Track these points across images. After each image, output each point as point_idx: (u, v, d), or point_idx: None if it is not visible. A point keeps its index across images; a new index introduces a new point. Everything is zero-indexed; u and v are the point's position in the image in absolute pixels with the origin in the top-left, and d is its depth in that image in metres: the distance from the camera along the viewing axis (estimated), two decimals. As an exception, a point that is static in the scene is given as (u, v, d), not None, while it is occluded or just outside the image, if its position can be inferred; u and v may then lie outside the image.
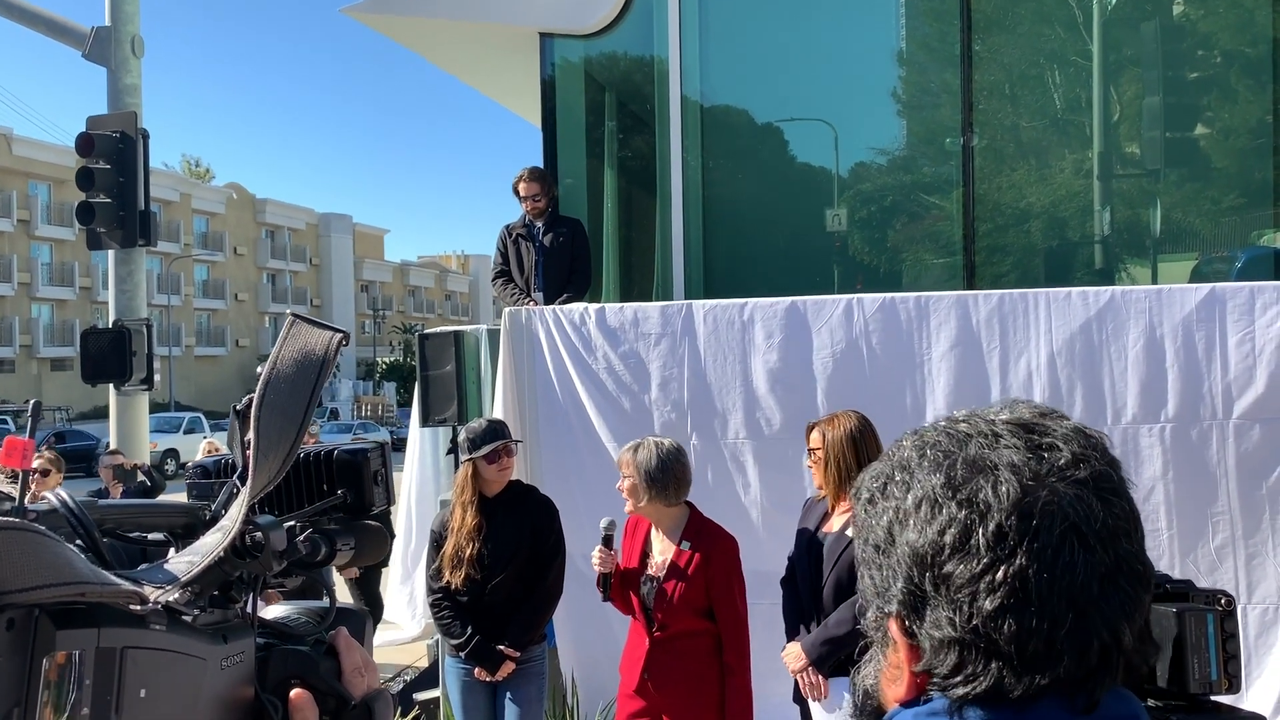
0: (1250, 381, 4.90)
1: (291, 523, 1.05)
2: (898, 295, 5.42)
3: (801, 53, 7.55)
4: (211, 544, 0.83)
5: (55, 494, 0.81)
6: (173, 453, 29.50)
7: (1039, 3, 7.30)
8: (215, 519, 0.95)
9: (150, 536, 0.97)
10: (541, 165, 7.11)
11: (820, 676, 3.67)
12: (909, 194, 7.54)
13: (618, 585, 3.85)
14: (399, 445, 38.82)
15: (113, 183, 8.65)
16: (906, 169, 7.66)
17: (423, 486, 8.59)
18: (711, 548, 3.76)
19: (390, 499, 1.15)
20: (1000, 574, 0.80)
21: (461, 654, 4.12)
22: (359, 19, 7.22)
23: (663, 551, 3.82)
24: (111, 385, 9.13)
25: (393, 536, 1.29)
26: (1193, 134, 7.29)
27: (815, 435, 3.84)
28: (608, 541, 3.87)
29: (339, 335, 1.05)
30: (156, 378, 9.81)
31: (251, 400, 1.03)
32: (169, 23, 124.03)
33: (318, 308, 67.58)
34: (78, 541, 0.79)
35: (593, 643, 5.49)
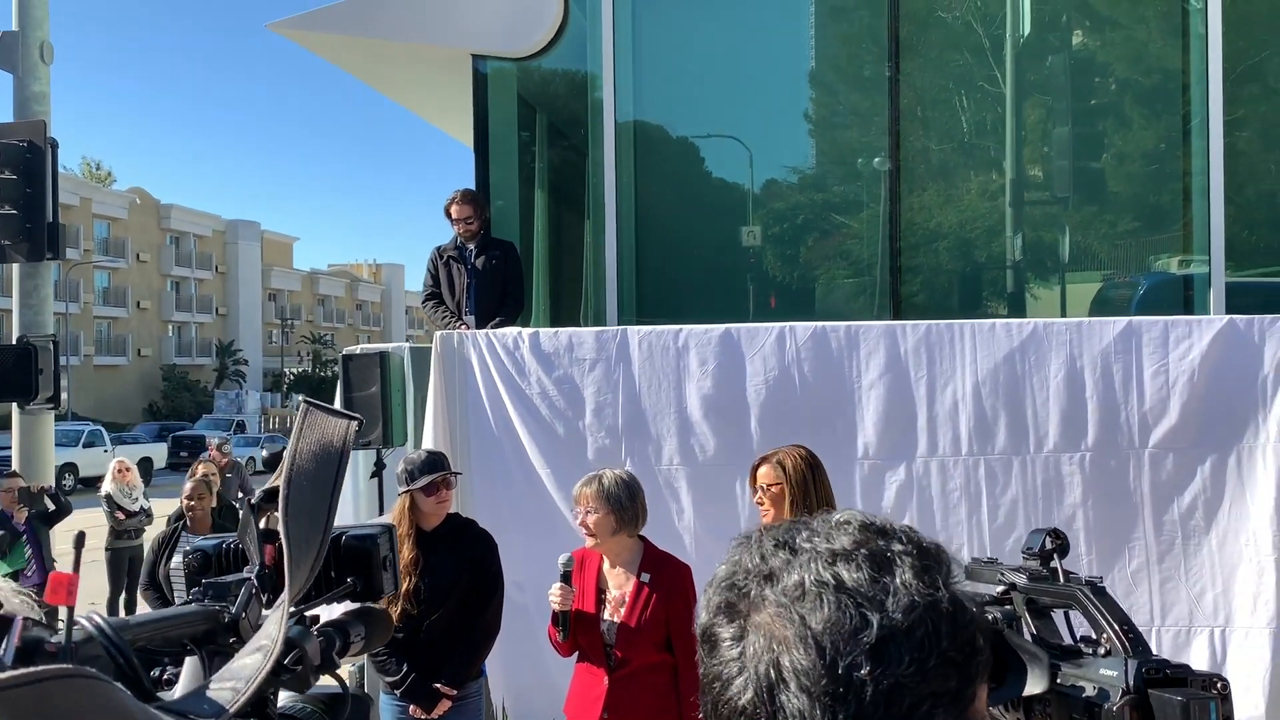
0: (1165, 412, 5.10)
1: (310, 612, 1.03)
2: (829, 324, 5.51)
3: (721, 72, 7.66)
4: (253, 666, 0.81)
5: (92, 621, 0.78)
6: (71, 467, 28.40)
7: (949, 30, 7.51)
8: (235, 623, 0.93)
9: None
10: (473, 187, 7.06)
11: None
12: (820, 213, 7.68)
13: (565, 625, 3.79)
14: (309, 458, 38.06)
15: (19, 194, 8.30)
16: (818, 188, 7.81)
17: (343, 506, 8.46)
18: (672, 579, 3.76)
19: (397, 584, 1.14)
20: None
21: (397, 692, 4.05)
22: (287, 35, 7.08)
23: (619, 586, 3.78)
24: (15, 404, 8.76)
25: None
26: (1098, 162, 7.58)
27: (768, 471, 3.82)
28: (566, 578, 3.77)
29: (354, 423, 1.03)
30: (64, 395, 9.46)
31: (267, 492, 1.01)
32: (68, 18, 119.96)
33: (224, 316, 65.94)
34: (119, 669, 0.77)
35: (524, 670, 5.45)
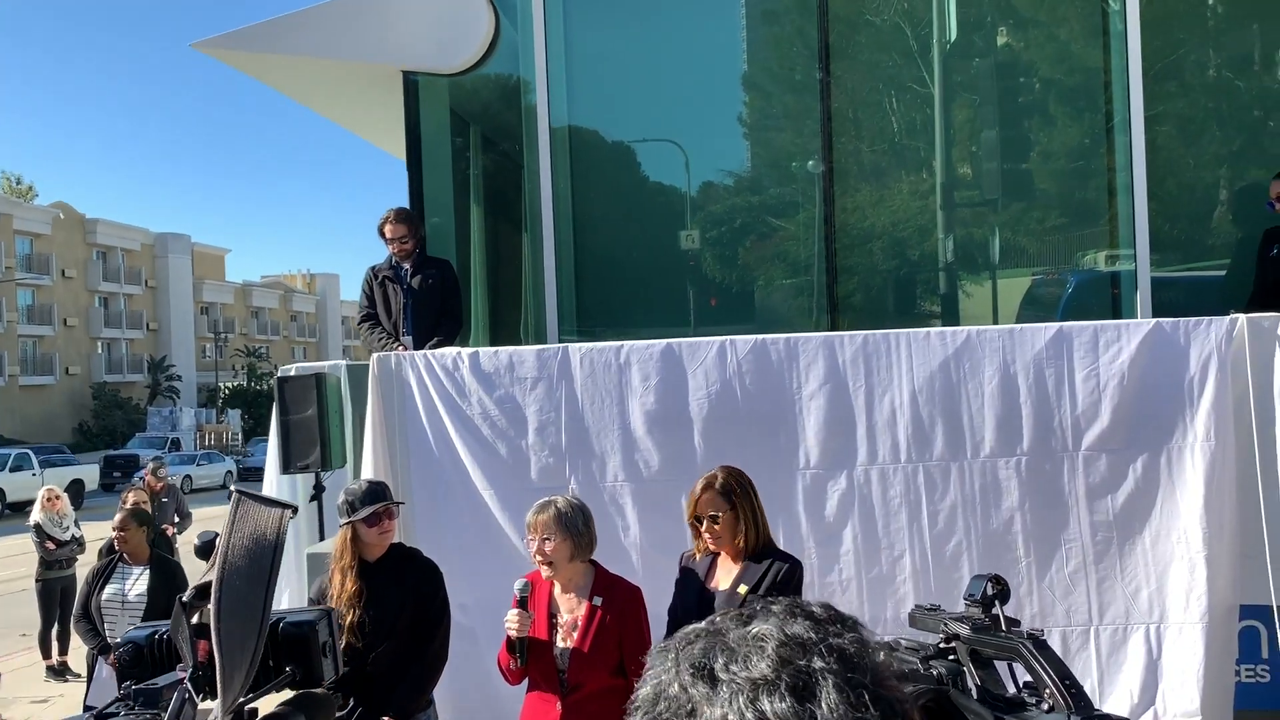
0: (1096, 415, 5.21)
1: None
2: (769, 337, 5.55)
3: (655, 76, 7.68)
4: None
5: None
6: (-2, 492, 27.57)
7: (877, 31, 7.61)
8: (168, 732, 0.90)
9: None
10: (407, 204, 6.98)
11: None
12: (757, 215, 7.73)
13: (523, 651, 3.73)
14: (246, 475, 37.36)
15: (-66, 219, 8.05)
16: (754, 191, 7.86)
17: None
18: (624, 602, 3.75)
19: (338, 669, 1.11)
20: None
21: (344, 726, 3.98)
22: (213, 55, 6.94)
23: (571, 610, 3.75)
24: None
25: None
26: (1026, 164, 7.72)
27: (713, 499, 3.76)
28: (523, 603, 3.72)
29: (288, 511, 1.01)
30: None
31: (199, 588, 0.98)
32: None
33: (154, 331, 64.52)
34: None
35: (471, 694, 5.40)
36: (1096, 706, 1.25)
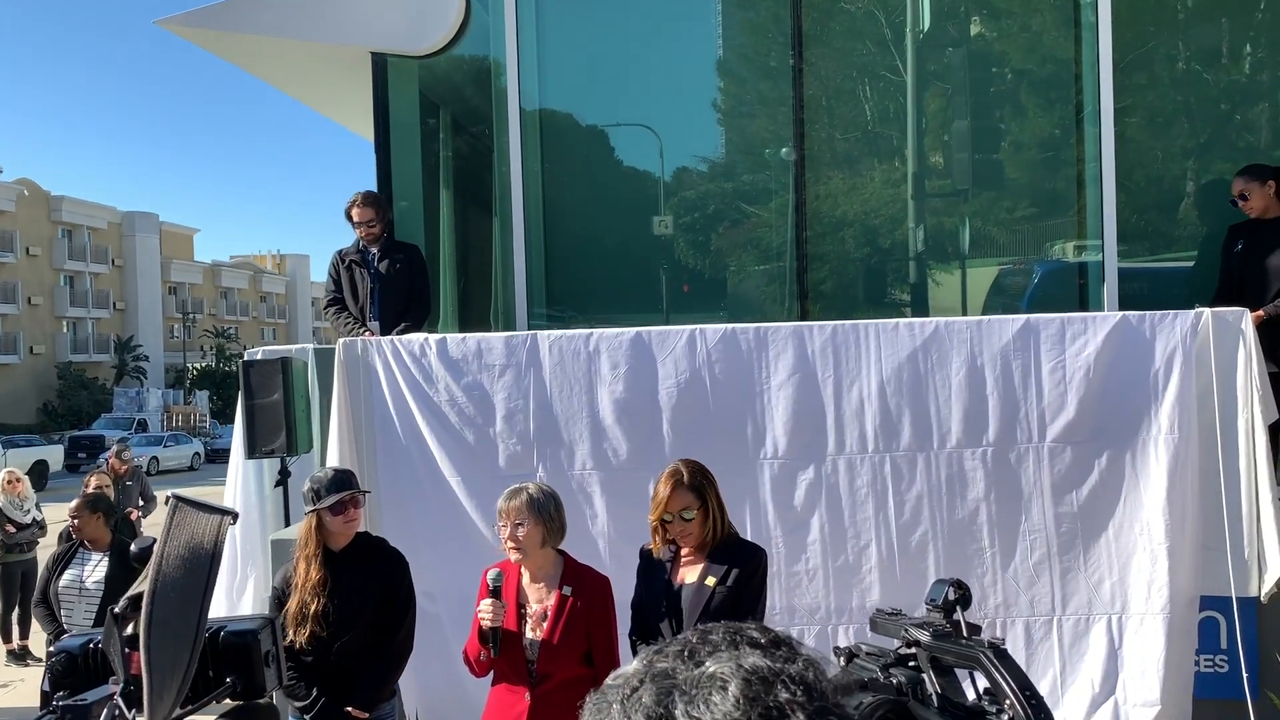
0: (1062, 407, 5.24)
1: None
2: (738, 326, 5.53)
3: (629, 61, 7.63)
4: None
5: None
6: (-41, 473, 27.14)
7: (851, 19, 7.59)
8: (99, 749, 0.86)
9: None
10: (375, 187, 6.89)
11: None
12: (730, 202, 7.71)
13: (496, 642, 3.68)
14: (214, 456, 37.02)
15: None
16: (727, 177, 7.84)
17: (246, 515, 8.23)
18: (593, 591, 3.73)
19: (281, 679, 1.08)
20: None
21: (306, 716, 3.95)
22: (177, 33, 6.81)
23: (540, 600, 3.72)
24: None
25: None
26: (996, 154, 7.74)
27: (684, 496, 3.69)
28: (496, 593, 3.67)
29: (227, 518, 0.98)
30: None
31: (132, 599, 0.95)
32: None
33: (121, 311, 63.76)
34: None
35: (437, 682, 5.38)
36: (1053, 713, 1.25)
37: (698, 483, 3.71)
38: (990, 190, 7.62)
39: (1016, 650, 5.17)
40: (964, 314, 7.05)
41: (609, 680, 0.84)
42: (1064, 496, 5.24)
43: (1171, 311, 5.28)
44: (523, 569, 3.77)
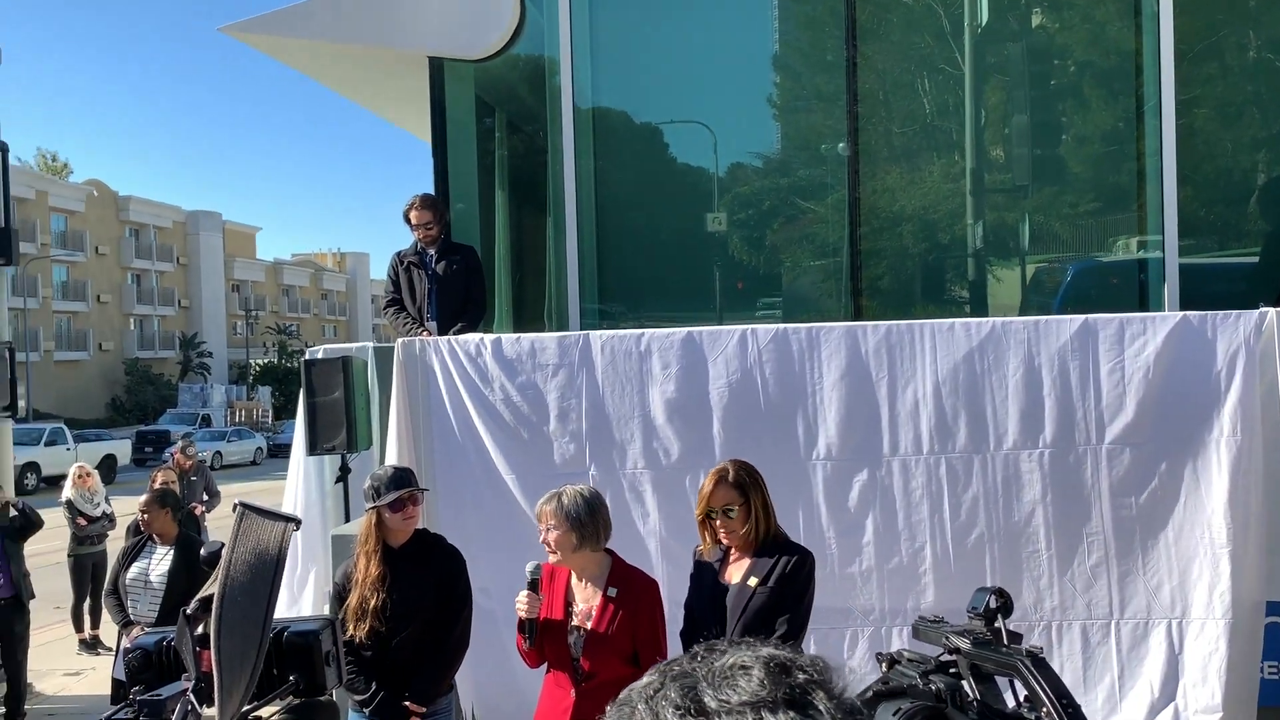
0: (1121, 408, 5.17)
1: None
2: (790, 326, 5.54)
3: (683, 58, 7.64)
4: (186, 809, 0.80)
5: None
6: (33, 466, 27.98)
7: (910, 11, 7.53)
8: (172, 742, 0.92)
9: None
10: (432, 188, 7.00)
11: None
12: (785, 197, 7.69)
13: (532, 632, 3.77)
14: (276, 452, 37.60)
15: (-31, 200, 8.18)
16: (783, 173, 7.82)
17: (308, 511, 8.40)
18: (638, 593, 3.77)
19: (341, 677, 1.13)
20: None
21: (366, 710, 4.04)
22: (239, 39, 6.98)
23: (586, 599, 3.78)
24: (-29, 414, 8.63)
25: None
26: (1057, 149, 7.63)
27: (727, 493, 3.74)
28: (534, 585, 3.75)
29: (291, 525, 1.03)
30: (21, 403, 9.31)
31: (203, 601, 1.00)
32: (20, 6, 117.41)
33: (186, 308, 65.17)
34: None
35: (492, 676, 5.46)
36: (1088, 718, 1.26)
37: (742, 480, 3.74)
38: (1051, 185, 7.52)
39: (1073, 654, 5.12)
40: (1024, 312, 6.97)
41: (623, 694, 0.87)
42: (1123, 499, 5.17)
43: (1234, 311, 5.18)
44: (572, 568, 3.83)
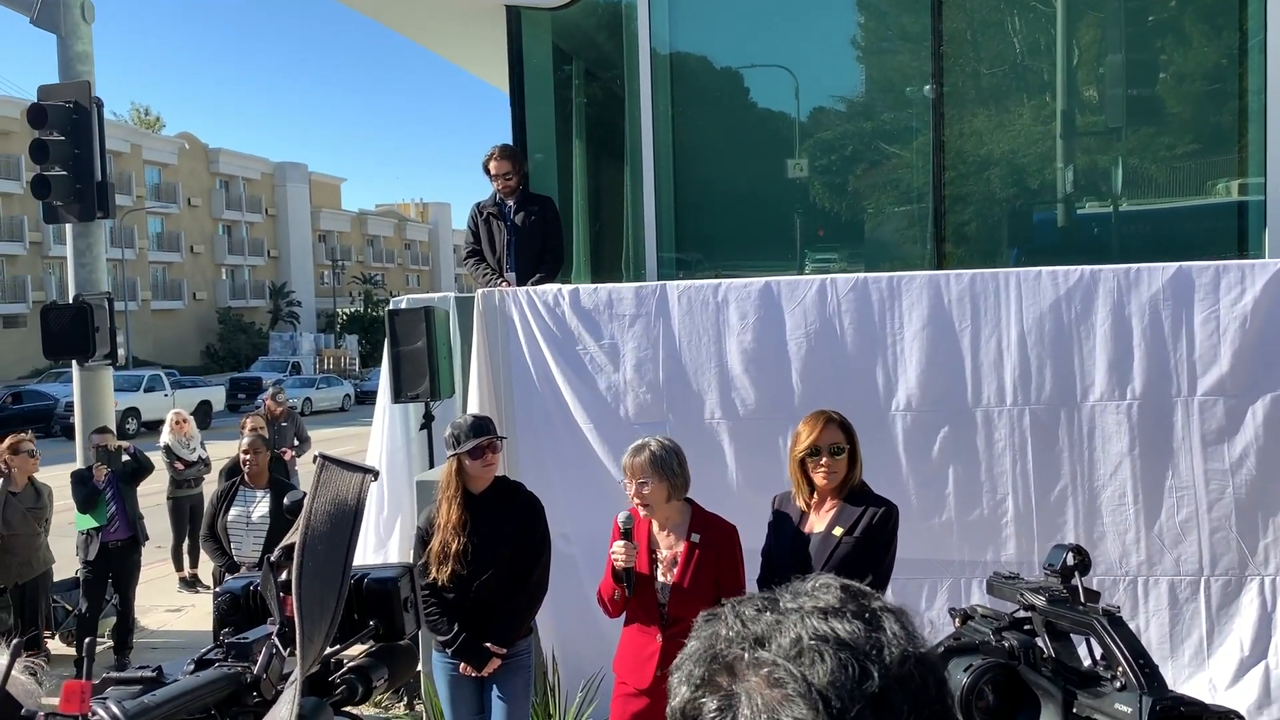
0: (1215, 359, 5.00)
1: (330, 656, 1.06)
2: (870, 275, 5.46)
3: (764, 1, 7.48)
4: (268, 748, 0.84)
5: (109, 712, 0.81)
6: (134, 411, 29.13)
7: (997, -52, 7.27)
8: (256, 683, 0.96)
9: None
10: (510, 140, 7.02)
11: None
12: (869, 142, 7.53)
13: (630, 582, 3.78)
14: (363, 398, 38.51)
15: (68, 155, 8.44)
16: (866, 116, 7.65)
17: (393, 457, 8.61)
18: (720, 539, 3.81)
19: (419, 623, 1.17)
20: None
21: (448, 650, 4.16)
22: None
23: (670, 547, 3.82)
24: (75, 361, 8.99)
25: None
26: (1153, 89, 7.33)
27: (837, 432, 3.68)
28: (628, 535, 3.79)
29: (369, 476, 1.05)
30: (120, 351, 9.69)
31: (285, 549, 1.04)
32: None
33: (275, 259, 66.68)
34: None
35: (572, 620, 5.56)
36: (1171, 686, 1.23)
37: (847, 425, 3.72)
38: (1147, 126, 7.24)
39: (1159, 610, 5.02)
40: (1116, 260, 6.77)
41: (710, 612, 0.91)
42: (1215, 452, 5.02)
43: (1341, 258, 4.96)
44: (653, 518, 3.86)
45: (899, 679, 0.81)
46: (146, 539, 8.11)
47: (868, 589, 0.90)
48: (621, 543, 3.77)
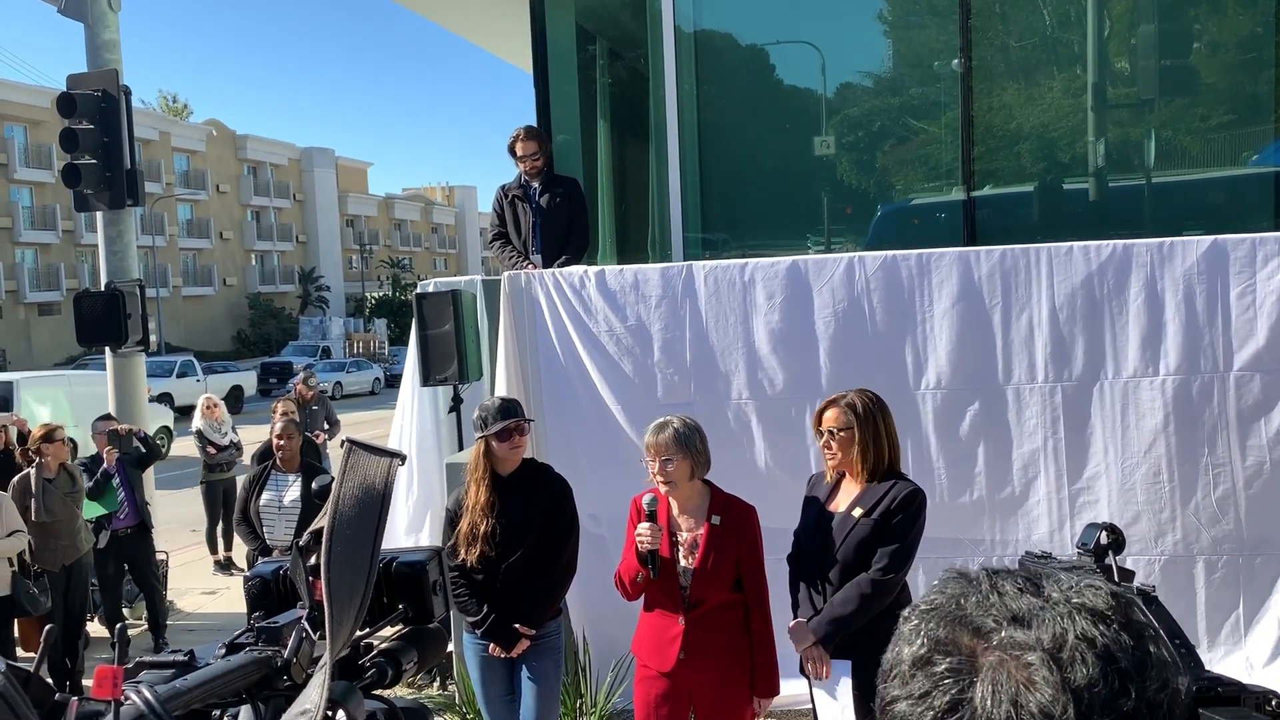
0: (1251, 334, 4.92)
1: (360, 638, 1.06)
2: (899, 253, 5.41)
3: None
4: (299, 732, 0.84)
5: (141, 695, 0.81)
6: (166, 397, 29.42)
7: (1026, -84, 7.15)
8: (287, 667, 0.96)
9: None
10: (535, 121, 7.00)
11: (825, 654, 3.68)
12: (896, 118, 7.45)
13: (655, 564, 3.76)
14: (393, 381, 38.79)
15: (97, 143, 8.51)
16: (894, 92, 7.57)
17: (423, 440, 8.65)
18: (740, 520, 3.80)
19: (448, 605, 1.17)
20: None
21: (478, 631, 4.18)
22: (343, -24, 7.05)
23: (690, 529, 3.81)
24: (108, 348, 9.08)
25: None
26: (1186, 59, 7.20)
27: (837, 414, 3.71)
28: (653, 517, 3.76)
29: (396, 460, 1.05)
30: (153, 338, 9.77)
31: (315, 533, 1.04)
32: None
33: (303, 244, 67.08)
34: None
35: (602, 601, 5.57)
36: (1208, 666, 1.21)
37: (854, 405, 3.70)
38: (1180, 97, 7.11)
39: (1195, 589, 4.97)
40: (1149, 235, 6.68)
41: (961, 569, 0.89)
42: (1251, 428, 4.95)
43: (1381, 229, 4.86)
44: (671, 499, 3.85)
45: (1151, 705, 0.80)
46: (152, 527, 8.15)
47: (1136, 599, 0.87)
48: (647, 525, 3.74)
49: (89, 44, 9.25)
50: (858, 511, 3.66)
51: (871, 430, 3.69)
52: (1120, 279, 5.07)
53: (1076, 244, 5.21)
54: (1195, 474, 5.00)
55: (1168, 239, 5.14)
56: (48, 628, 0.91)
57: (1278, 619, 4.93)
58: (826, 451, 3.74)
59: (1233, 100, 6.92)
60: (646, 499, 3.80)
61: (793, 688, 4.48)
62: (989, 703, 0.79)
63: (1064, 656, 0.80)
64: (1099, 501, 5.05)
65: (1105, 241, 5.21)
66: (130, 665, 0.95)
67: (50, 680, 6.87)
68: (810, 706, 3.93)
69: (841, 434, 3.69)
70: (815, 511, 3.81)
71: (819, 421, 3.77)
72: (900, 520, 3.62)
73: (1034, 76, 7.24)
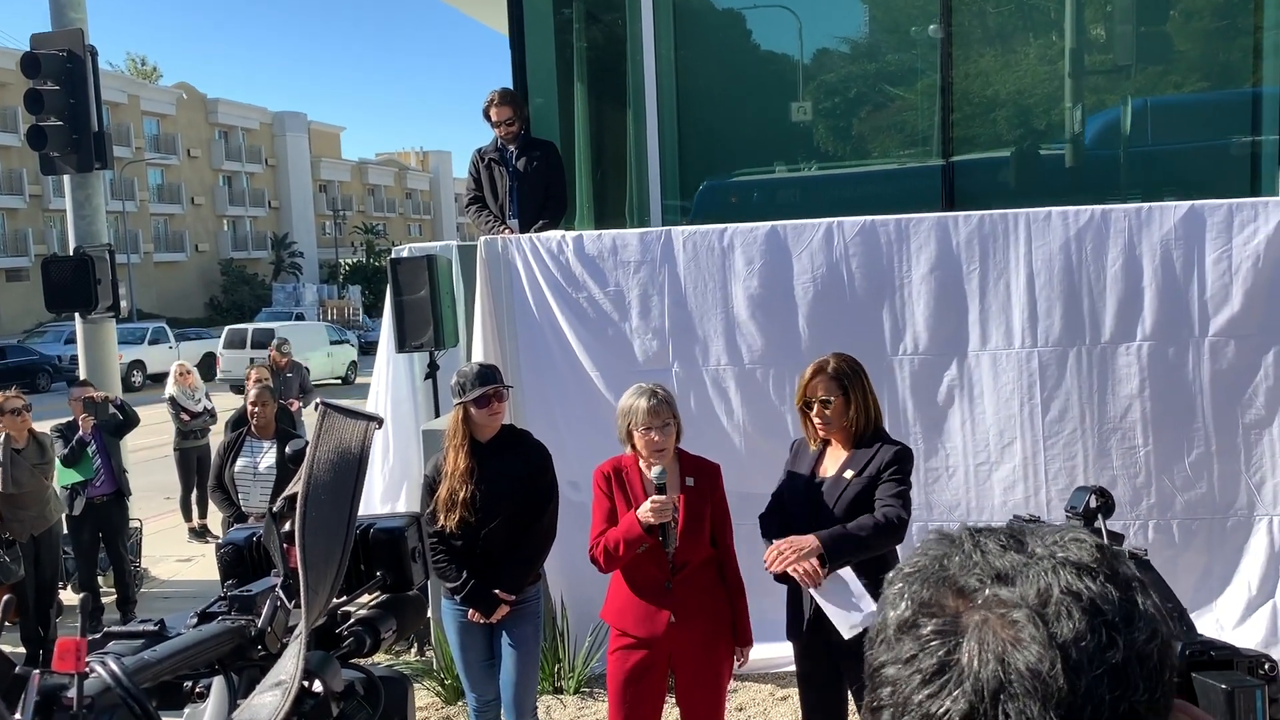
0: (1226, 299, 4.95)
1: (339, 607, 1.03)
2: (878, 218, 5.39)
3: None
4: (273, 706, 0.81)
5: (108, 668, 0.78)
6: (139, 364, 29.18)
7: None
8: (261, 637, 0.93)
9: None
10: (511, 84, 6.91)
11: (819, 566, 3.51)
12: (873, 84, 7.43)
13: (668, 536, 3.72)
14: (367, 349, 38.57)
15: (63, 105, 8.34)
16: (871, 58, 7.53)
17: (398, 407, 8.60)
18: (711, 478, 3.85)
19: (428, 573, 1.14)
20: None
21: (457, 598, 4.17)
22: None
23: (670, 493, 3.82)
24: (77, 314, 8.95)
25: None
26: (1163, 25, 7.20)
27: (826, 383, 3.68)
28: (663, 489, 3.71)
29: (373, 424, 1.02)
30: (124, 304, 9.63)
31: (289, 499, 1.01)
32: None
33: (276, 209, 66.36)
34: (136, 717, 0.78)
35: (581, 567, 5.55)
36: (1199, 630, 1.21)
37: (841, 372, 3.68)
38: (1156, 64, 7.11)
39: (1169, 551, 5.02)
40: (1125, 200, 6.70)
41: (943, 530, 0.87)
42: (1226, 393, 4.99)
43: (1356, 195, 4.88)
44: (641, 465, 3.85)
45: (1141, 656, 0.79)
46: (129, 494, 8.06)
47: (1121, 550, 0.85)
48: (662, 497, 3.67)
49: (53, 3, 9.03)
50: (849, 474, 3.65)
51: (858, 394, 3.69)
52: (1098, 244, 5.08)
53: (1055, 209, 5.22)
54: (1170, 438, 5.04)
55: (1145, 204, 5.14)
56: (5, 599, 0.88)
57: (1247, 581, 5.00)
58: (818, 420, 3.69)
59: (1208, 68, 6.93)
60: (654, 471, 3.75)
61: (774, 650, 4.50)
62: (976, 663, 0.78)
63: (1049, 612, 0.78)
64: (1075, 467, 5.08)
65: (1084, 207, 5.21)
66: (98, 636, 0.92)
67: (25, 649, 6.83)
68: (792, 670, 3.96)
69: (834, 402, 3.66)
70: (803, 477, 3.80)
71: (804, 391, 3.73)
72: (894, 471, 3.62)
73: (1011, 43, 7.22)
